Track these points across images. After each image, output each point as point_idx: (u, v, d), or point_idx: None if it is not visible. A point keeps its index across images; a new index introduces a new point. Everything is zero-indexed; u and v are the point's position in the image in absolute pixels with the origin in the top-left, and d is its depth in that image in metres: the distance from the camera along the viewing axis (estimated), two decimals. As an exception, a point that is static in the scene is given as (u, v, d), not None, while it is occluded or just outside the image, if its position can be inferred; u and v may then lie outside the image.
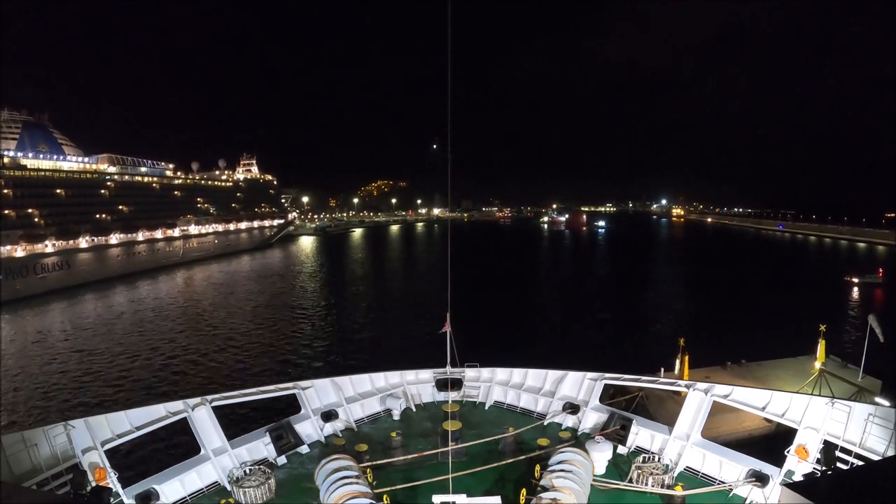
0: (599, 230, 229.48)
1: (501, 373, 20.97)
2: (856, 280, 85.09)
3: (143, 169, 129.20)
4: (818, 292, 77.51)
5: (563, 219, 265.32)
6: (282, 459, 16.64)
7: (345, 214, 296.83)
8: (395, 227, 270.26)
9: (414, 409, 20.04)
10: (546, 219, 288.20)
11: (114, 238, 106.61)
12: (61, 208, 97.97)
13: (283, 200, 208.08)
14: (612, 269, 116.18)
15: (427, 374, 20.73)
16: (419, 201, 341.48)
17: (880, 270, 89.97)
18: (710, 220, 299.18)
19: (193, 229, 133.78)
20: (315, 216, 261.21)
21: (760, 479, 13.99)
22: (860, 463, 13.05)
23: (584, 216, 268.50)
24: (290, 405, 19.00)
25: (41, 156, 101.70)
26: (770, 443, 22.69)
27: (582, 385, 19.09)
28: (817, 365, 32.53)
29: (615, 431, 17.09)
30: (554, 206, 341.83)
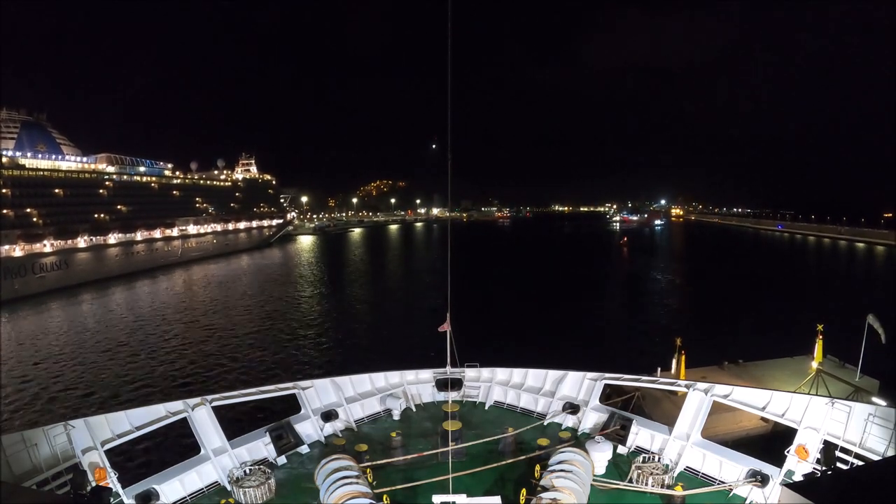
0: (657, 228, 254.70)
1: (501, 373, 20.95)
2: None
3: (142, 169, 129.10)
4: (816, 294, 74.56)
5: (634, 218, 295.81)
6: (282, 459, 16.61)
7: (344, 214, 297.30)
8: (393, 227, 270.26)
9: (414, 409, 20.02)
10: (617, 218, 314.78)
11: (112, 238, 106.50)
12: (60, 208, 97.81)
13: (281, 200, 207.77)
14: (615, 269, 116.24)
15: (427, 374, 20.71)
16: (418, 201, 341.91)
17: None
18: (709, 220, 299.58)
19: (192, 229, 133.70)
20: (314, 216, 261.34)
21: (760, 479, 14.00)
22: (860, 463, 13.06)
23: (660, 215, 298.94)
24: (290, 405, 18.94)
25: (39, 155, 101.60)
26: (770, 443, 22.72)
27: (582, 385, 19.10)
28: (814, 365, 32.37)
29: (615, 431, 17.07)
30: (629, 204, 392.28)
